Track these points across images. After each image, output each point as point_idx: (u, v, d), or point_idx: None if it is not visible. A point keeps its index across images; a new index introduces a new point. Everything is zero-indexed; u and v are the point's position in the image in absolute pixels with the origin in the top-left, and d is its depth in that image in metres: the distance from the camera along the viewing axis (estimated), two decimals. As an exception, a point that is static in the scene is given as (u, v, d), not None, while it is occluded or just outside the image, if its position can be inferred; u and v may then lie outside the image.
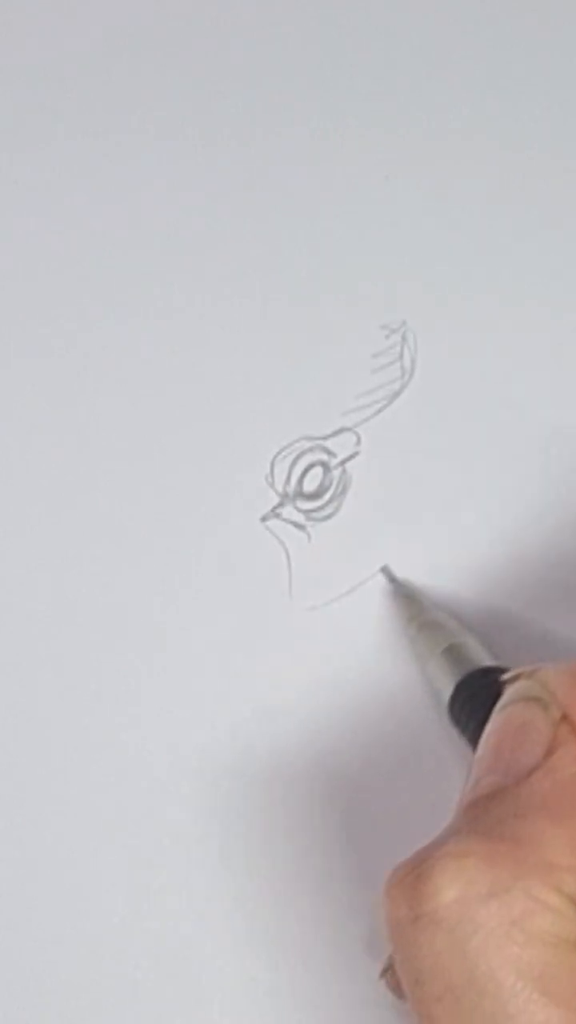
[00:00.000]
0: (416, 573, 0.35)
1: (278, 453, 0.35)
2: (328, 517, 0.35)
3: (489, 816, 0.26)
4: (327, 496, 0.35)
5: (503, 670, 0.32)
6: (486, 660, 0.33)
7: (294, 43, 0.38)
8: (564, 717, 0.28)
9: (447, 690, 0.32)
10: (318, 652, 0.35)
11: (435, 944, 0.25)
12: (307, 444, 0.35)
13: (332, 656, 0.35)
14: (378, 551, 0.35)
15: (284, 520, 0.35)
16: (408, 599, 0.35)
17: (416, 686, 0.34)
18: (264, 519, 0.35)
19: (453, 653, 0.33)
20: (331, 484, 0.35)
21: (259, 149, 0.37)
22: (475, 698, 0.32)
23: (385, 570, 0.35)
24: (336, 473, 0.35)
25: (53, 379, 0.36)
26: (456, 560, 0.35)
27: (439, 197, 0.37)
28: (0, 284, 0.36)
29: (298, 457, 0.35)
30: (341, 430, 0.36)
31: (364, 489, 0.35)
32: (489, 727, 0.29)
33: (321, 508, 0.35)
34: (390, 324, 0.36)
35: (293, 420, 0.36)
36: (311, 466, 0.35)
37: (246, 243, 0.37)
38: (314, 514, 0.35)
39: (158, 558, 0.35)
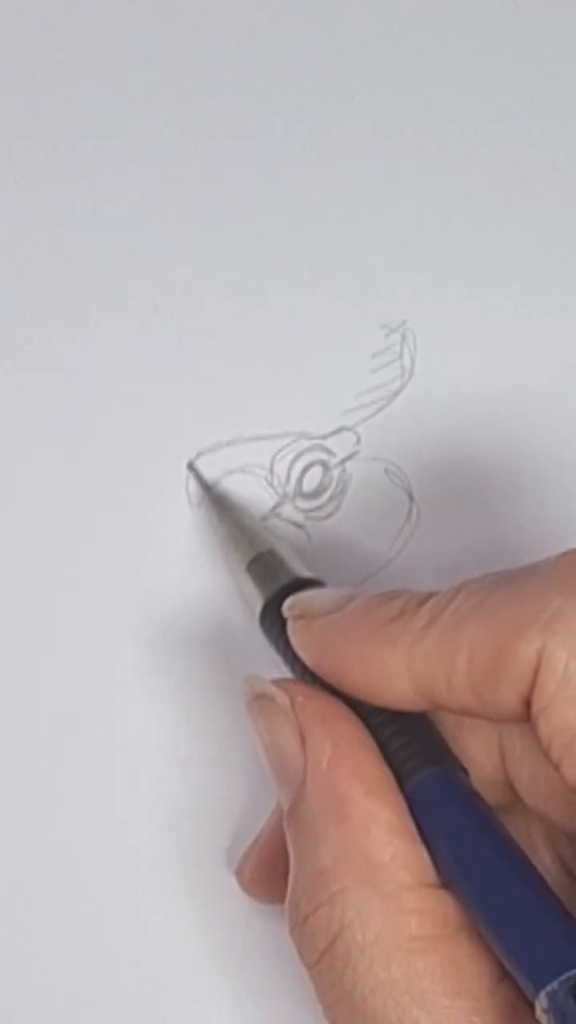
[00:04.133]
0: (417, 572, 0.35)
1: (277, 452, 0.35)
2: (328, 516, 0.35)
3: (304, 844, 0.27)
4: (327, 495, 0.35)
5: (317, 582, 0.31)
6: (299, 570, 0.32)
7: (294, 42, 0.38)
8: (295, 695, 0.28)
9: (258, 603, 0.32)
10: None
11: (324, 988, 0.26)
12: (307, 443, 0.35)
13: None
14: (378, 550, 0.35)
15: (284, 519, 0.35)
16: (218, 503, 0.34)
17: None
18: (264, 519, 0.35)
19: (263, 563, 0.33)
20: (331, 483, 0.35)
21: (258, 148, 0.38)
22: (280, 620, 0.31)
23: (192, 467, 0.34)
24: (336, 472, 0.35)
25: (54, 379, 0.36)
26: (457, 560, 0.35)
27: (439, 196, 0.37)
28: None
29: (297, 456, 0.35)
30: (341, 429, 0.36)
31: (364, 488, 0.35)
32: (252, 735, 0.29)
33: (321, 507, 0.35)
34: (390, 323, 0.36)
35: (293, 419, 0.36)
36: (311, 465, 0.35)
37: (246, 242, 0.37)
38: (313, 513, 0.35)
39: (157, 558, 0.35)
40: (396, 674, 0.27)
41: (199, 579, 0.35)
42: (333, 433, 0.36)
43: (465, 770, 0.28)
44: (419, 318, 0.37)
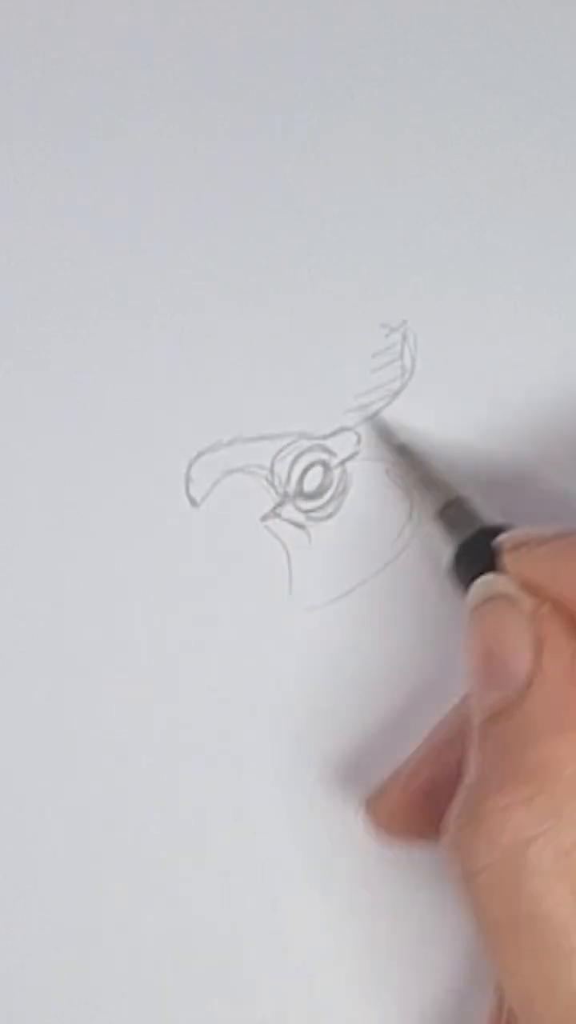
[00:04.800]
0: (417, 572, 0.35)
1: (278, 452, 0.35)
2: (328, 517, 0.35)
3: (508, 744, 0.27)
4: (327, 495, 0.35)
5: (505, 529, 0.31)
6: (489, 518, 0.32)
7: (294, 42, 0.38)
8: (539, 604, 0.28)
9: (447, 553, 0.32)
10: (318, 652, 0.35)
11: (495, 896, 0.26)
12: (307, 443, 0.35)
13: (332, 657, 0.35)
14: (378, 550, 0.35)
15: (284, 520, 0.35)
16: (404, 451, 0.34)
17: (418, 684, 0.34)
18: (264, 519, 0.35)
19: (452, 511, 0.33)
20: (331, 483, 0.35)
21: (258, 148, 0.38)
22: (477, 561, 0.31)
23: (377, 419, 0.35)
24: (336, 472, 0.35)
25: (54, 379, 0.36)
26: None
27: (439, 196, 0.37)
28: None
29: (298, 456, 0.35)
30: (341, 429, 0.36)
31: (364, 489, 0.35)
32: (468, 635, 0.29)
33: (321, 508, 0.35)
34: (390, 323, 0.36)
35: (293, 419, 0.36)
36: (311, 465, 0.35)
37: (246, 242, 0.37)
38: (314, 514, 0.35)
39: (157, 557, 0.35)
40: None
41: (199, 579, 0.35)
42: (334, 433, 0.36)
43: None
44: (419, 318, 0.37)
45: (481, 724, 0.28)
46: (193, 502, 0.35)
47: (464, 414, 0.36)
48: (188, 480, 0.35)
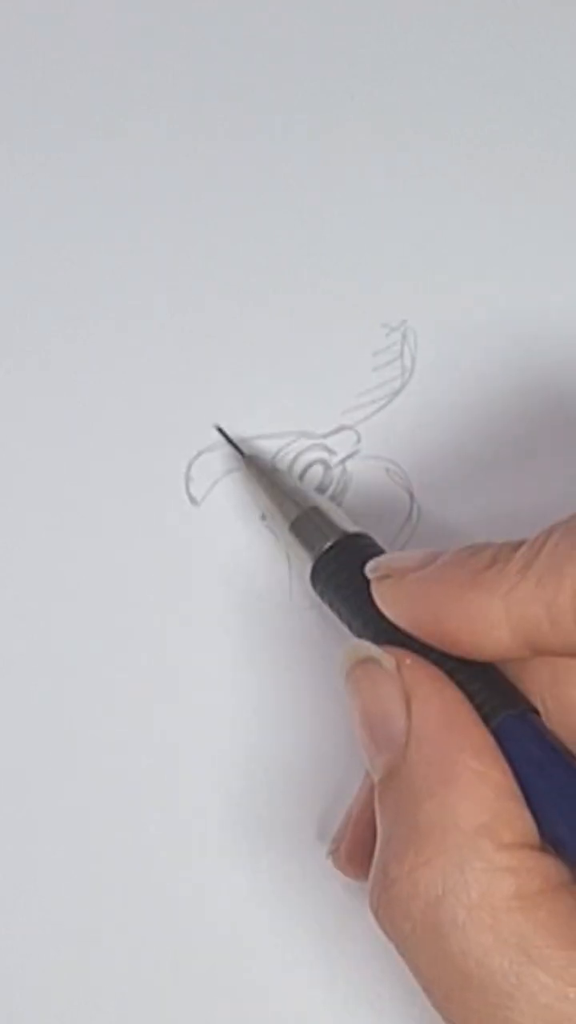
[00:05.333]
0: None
1: (278, 452, 0.35)
2: (328, 516, 0.35)
3: (401, 806, 0.27)
4: (327, 495, 0.35)
5: (365, 536, 0.32)
6: (346, 526, 0.32)
7: (294, 42, 0.38)
8: (402, 657, 0.28)
9: (307, 563, 0.32)
10: (318, 652, 0.34)
11: (424, 957, 0.26)
12: (307, 442, 0.35)
13: (332, 656, 0.34)
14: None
15: (284, 519, 0.35)
16: (253, 466, 0.34)
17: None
18: (264, 518, 0.35)
19: (306, 522, 0.33)
20: (331, 482, 0.35)
21: (258, 148, 0.38)
22: (339, 572, 0.31)
23: (221, 431, 0.35)
24: (336, 471, 0.35)
25: (54, 379, 0.36)
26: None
27: (439, 196, 0.37)
28: None
29: (298, 455, 0.35)
30: (341, 428, 0.36)
31: (364, 488, 0.35)
32: (348, 703, 0.29)
33: (321, 507, 0.35)
34: (390, 322, 0.36)
35: (293, 419, 0.36)
36: (311, 464, 0.35)
37: (246, 242, 0.37)
38: (314, 513, 0.35)
39: (157, 557, 0.35)
40: (495, 622, 0.27)
41: (199, 579, 0.35)
42: (334, 432, 0.36)
43: (537, 712, 0.28)
44: (419, 318, 0.37)
45: (377, 787, 0.28)
46: (193, 501, 0.35)
47: (464, 414, 0.36)
48: (188, 480, 0.35)
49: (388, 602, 0.29)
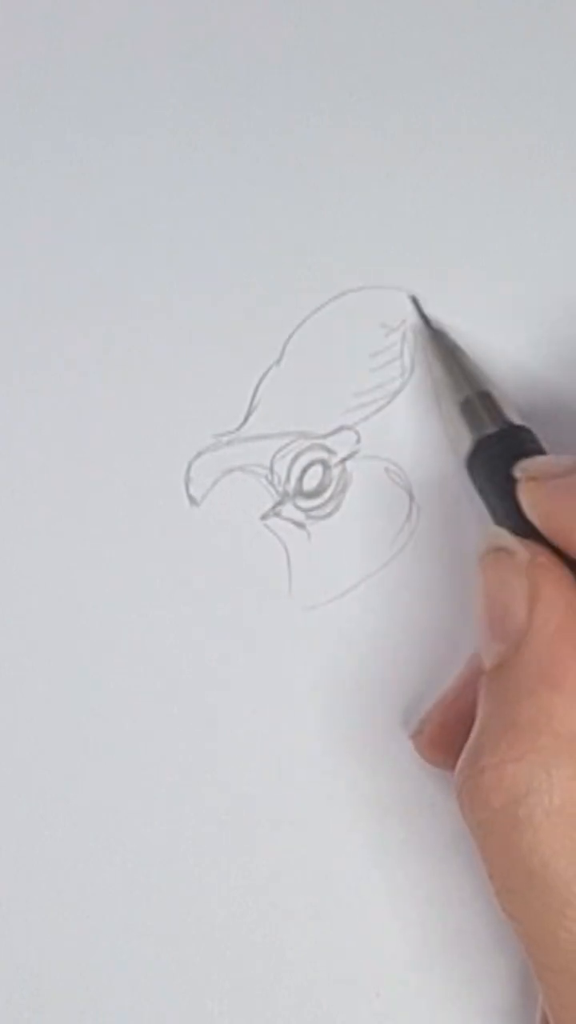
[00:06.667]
0: (417, 571, 0.35)
1: (278, 451, 0.35)
2: (328, 515, 0.35)
3: (504, 698, 0.27)
4: (327, 494, 0.35)
5: (527, 431, 0.32)
6: (512, 417, 0.32)
7: (294, 42, 0.38)
8: (536, 554, 0.29)
9: (465, 445, 0.32)
10: (318, 652, 0.34)
11: (495, 846, 0.27)
12: (307, 442, 0.35)
13: (332, 656, 0.35)
14: (378, 549, 0.35)
15: (284, 519, 0.35)
16: (435, 339, 0.34)
17: (418, 682, 0.34)
18: (264, 517, 0.35)
19: (476, 404, 0.33)
20: (331, 482, 0.35)
21: (258, 147, 0.38)
22: (495, 459, 0.31)
23: (415, 301, 0.34)
24: (336, 471, 0.35)
25: (54, 379, 0.36)
26: (457, 559, 0.35)
27: (439, 196, 0.37)
28: None
29: (298, 455, 0.35)
30: (341, 428, 0.36)
31: (364, 488, 0.35)
32: (476, 585, 0.29)
33: (321, 506, 0.35)
34: (389, 322, 0.36)
35: (293, 418, 0.36)
36: (311, 464, 0.35)
37: (246, 242, 0.37)
38: (314, 512, 0.35)
39: (157, 557, 0.35)
40: None
41: (199, 579, 0.35)
42: (333, 432, 0.36)
43: None
44: (419, 318, 0.37)
45: (486, 675, 0.28)
46: (193, 501, 0.35)
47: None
48: (188, 479, 0.35)
49: (529, 504, 0.30)
